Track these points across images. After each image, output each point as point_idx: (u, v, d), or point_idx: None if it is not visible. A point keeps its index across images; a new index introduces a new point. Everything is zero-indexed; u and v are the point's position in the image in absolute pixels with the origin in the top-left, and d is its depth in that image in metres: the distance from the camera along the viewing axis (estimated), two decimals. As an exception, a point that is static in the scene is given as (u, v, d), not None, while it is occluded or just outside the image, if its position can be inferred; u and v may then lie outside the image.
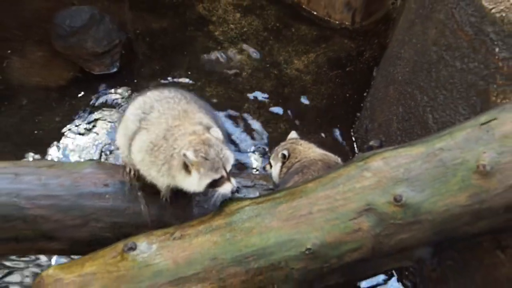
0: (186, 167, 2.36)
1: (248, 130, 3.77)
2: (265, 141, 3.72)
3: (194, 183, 2.36)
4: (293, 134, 3.03)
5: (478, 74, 2.56)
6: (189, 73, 4.05)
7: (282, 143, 2.96)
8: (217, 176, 2.34)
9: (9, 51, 4.13)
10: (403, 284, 3.15)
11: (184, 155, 2.32)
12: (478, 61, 2.55)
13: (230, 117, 3.83)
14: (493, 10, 2.42)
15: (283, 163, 2.84)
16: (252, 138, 3.73)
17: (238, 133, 3.74)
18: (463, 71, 2.63)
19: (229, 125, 3.75)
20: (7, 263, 3.21)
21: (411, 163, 2.27)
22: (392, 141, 3.16)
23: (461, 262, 2.81)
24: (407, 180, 2.24)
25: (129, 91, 3.96)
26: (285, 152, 2.83)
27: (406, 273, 3.12)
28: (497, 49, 2.43)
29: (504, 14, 2.39)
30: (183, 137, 2.40)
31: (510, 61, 2.39)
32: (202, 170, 2.33)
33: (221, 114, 3.77)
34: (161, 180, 2.47)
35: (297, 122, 3.67)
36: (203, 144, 2.35)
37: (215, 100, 3.87)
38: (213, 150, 2.35)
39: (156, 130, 2.45)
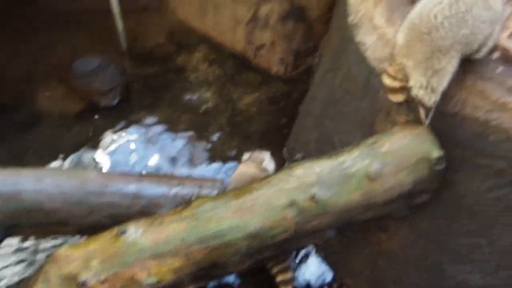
0: None
1: (210, 145, 3.79)
2: (224, 153, 3.73)
3: None
4: (245, 156, 2.87)
5: (368, 111, 2.62)
6: (170, 105, 4.05)
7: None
8: None
9: (38, 88, 4.05)
10: (319, 255, 3.18)
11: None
12: (367, 102, 2.61)
13: (195, 136, 3.84)
14: (377, 68, 2.48)
15: None
16: (213, 150, 3.75)
17: (201, 148, 3.76)
18: (358, 108, 2.69)
19: (194, 142, 3.81)
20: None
21: (322, 171, 2.29)
22: (310, 155, 3.15)
23: (355, 239, 2.85)
24: (319, 183, 2.26)
25: (126, 117, 3.94)
26: None
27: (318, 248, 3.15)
28: (380, 94, 2.48)
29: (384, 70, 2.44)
30: None
31: (388, 102, 2.45)
32: None
33: (189, 134, 3.83)
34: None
35: (245, 141, 3.68)
36: None
37: (186, 124, 3.92)
38: None
39: None
